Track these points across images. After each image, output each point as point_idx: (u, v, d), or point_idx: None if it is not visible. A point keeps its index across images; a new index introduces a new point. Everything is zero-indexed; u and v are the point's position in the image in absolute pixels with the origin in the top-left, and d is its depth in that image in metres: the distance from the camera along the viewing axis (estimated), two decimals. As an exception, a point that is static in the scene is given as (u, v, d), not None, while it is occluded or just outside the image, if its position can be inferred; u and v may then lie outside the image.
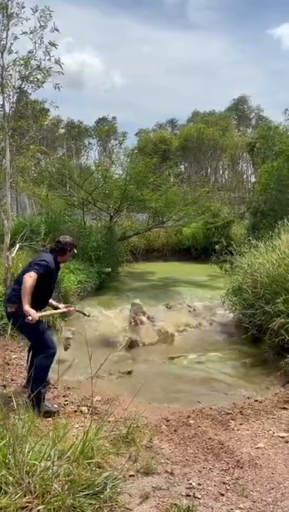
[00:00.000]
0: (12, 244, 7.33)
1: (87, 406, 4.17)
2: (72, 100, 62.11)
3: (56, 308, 4.49)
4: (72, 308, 4.95)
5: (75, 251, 4.54)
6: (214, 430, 3.78)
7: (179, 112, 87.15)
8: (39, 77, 6.65)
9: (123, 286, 11.76)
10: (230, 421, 4.01)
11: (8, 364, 4.95)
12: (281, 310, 5.62)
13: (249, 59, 77.72)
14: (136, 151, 30.28)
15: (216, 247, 14.41)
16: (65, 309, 4.61)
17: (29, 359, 4.13)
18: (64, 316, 6.69)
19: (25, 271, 4.03)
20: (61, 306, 4.60)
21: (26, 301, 3.74)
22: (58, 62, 6.48)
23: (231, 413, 4.20)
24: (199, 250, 17.31)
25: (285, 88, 65.30)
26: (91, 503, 2.40)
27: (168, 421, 3.98)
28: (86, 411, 4.10)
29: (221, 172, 40.80)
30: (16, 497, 2.35)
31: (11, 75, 6.53)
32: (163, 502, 2.58)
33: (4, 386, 4.53)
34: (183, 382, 5.28)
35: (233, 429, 3.82)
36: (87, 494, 2.46)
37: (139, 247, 16.72)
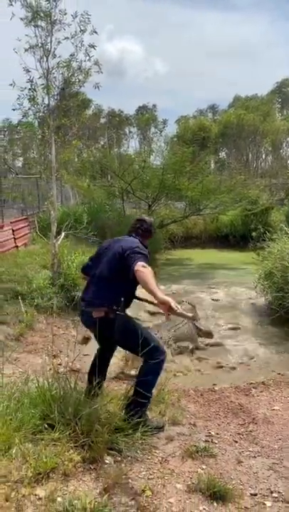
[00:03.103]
0: (58, 233, 8.01)
1: (124, 373, 4.78)
2: (113, 89, 62.75)
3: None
4: None
5: None
6: (236, 395, 4.26)
7: (222, 96, 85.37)
8: (80, 77, 7.21)
9: (160, 272, 12.25)
10: (252, 389, 4.47)
11: (55, 335, 5.63)
12: (307, 293, 5.95)
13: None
14: (175, 139, 30.54)
15: (253, 233, 14.62)
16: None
17: (94, 370, 3.42)
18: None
19: (112, 266, 3.24)
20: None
21: (157, 290, 2.88)
22: (96, 63, 7.01)
23: (254, 383, 4.65)
24: (237, 237, 17.43)
25: None
26: (124, 440, 2.97)
27: (196, 387, 4.51)
28: (124, 377, 4.71)
29: (263, 157, 40.13)
30: (67, 432, 2.96)
31: (55, 77, 7.13)
32: (185, 444, 3.11)
33: (54, 356, 5.24)
34: (215, 356, 5.75)
35: (253, 395, 4.28)
36: (122, 434, 3.04)
37: (178, 234, 17.10)
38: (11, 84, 7.04)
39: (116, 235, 11.77)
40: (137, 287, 3.31)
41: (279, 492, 2.59)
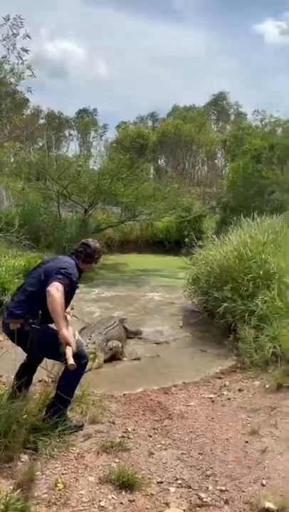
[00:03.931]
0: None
1: (50, 377, 4.83)
2: (54, 89, 61.80)
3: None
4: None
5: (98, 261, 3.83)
6: (156, 394, 4.49)
7: (162, 104, 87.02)
8: (12, 80, 7.19)
9: (96, 277, 12.35)
10: (172, 388, 4.73)
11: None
12: (227, 296, 6.36)
13: (232, 53, 77.77)
14: (114, 144, 30.85)
15: (186, 240, 15.20)
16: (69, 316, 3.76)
17: (20, 374, 3.63)
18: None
19: (41, 280, 3.29)
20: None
21: (62, 323, 3.01)
22: (29, 67, 7.04)
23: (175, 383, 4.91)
24: (172, 243, 17.90)
25: (267, 84, 66.59)
26: (42, 439, 3.07)
27: (119, 387, 4.69)
28: (49, 381, 4.76)
29: (199, 166, 41.57)
30: (-17, 434, 3.00)
31: (-15, 78, 7.04)
32: (102, 440, 3.28)
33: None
34: (138, 366, 5.86)
35: (172, 394, 4.53)
36: (40, 434, 3.14)
37: (114, 239, 17.25)
38: None
39: (51, 239, 11.64)
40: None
41: (183, 479, 2.84)
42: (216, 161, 40.46)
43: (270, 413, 3.84)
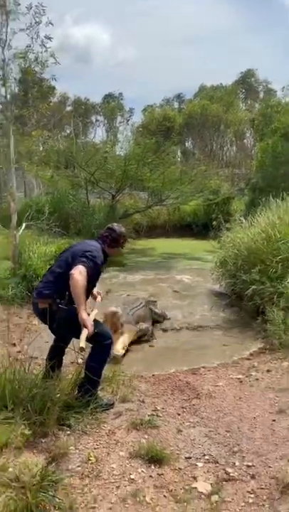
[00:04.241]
0: (19, 224, 8.08)
1: (81, 358, 5.01)
2: (80, 75, 61.72)
3: (95, 297, 3.93)
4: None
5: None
6: (185, 375, 4.58)
7: (188, 84, 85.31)
8: (37, 69, 7.27)
9: (124, 261, 12.50)
10: (201, 369, 4.81)
11: (16, 324, 5.80)
12: (255, 278, 6.34)
13: (259, 28, 75.27)
14: (140, 128, 30.71)
15: (214, 223, 15.07)
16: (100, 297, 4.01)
17: (51, 355, 3.81)
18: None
19: (68, 262, 3.39)
20: (95, 291, 3.88)
21: (82, 307, 3.14)
22: (52, 55, 7.08)
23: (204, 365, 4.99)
24: (200, 226, 17.80)
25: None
26: (75, 416, 3.23)
27: (149, 368, 4.81)
28: (80, 362, 4.94)
29: (227, 147, 40.78)
30: (20, 411, 3.18)
31: (11, 68, 7.15)
32: (132, 418, 3.40)
33: (14, 344, 5.42)
34: (168, 348, 5.91)
35: (201, 374, 4.62)
36: (73, 411, 3.29)
37: (142, 224, 17.31)
38: None
39: (80, 226, 11.90)
40: (90, 291, 3.56)
41: (211, 455, 2.93)
42: (244, 140, 39.56)
43: (298, 393, 3.86)
